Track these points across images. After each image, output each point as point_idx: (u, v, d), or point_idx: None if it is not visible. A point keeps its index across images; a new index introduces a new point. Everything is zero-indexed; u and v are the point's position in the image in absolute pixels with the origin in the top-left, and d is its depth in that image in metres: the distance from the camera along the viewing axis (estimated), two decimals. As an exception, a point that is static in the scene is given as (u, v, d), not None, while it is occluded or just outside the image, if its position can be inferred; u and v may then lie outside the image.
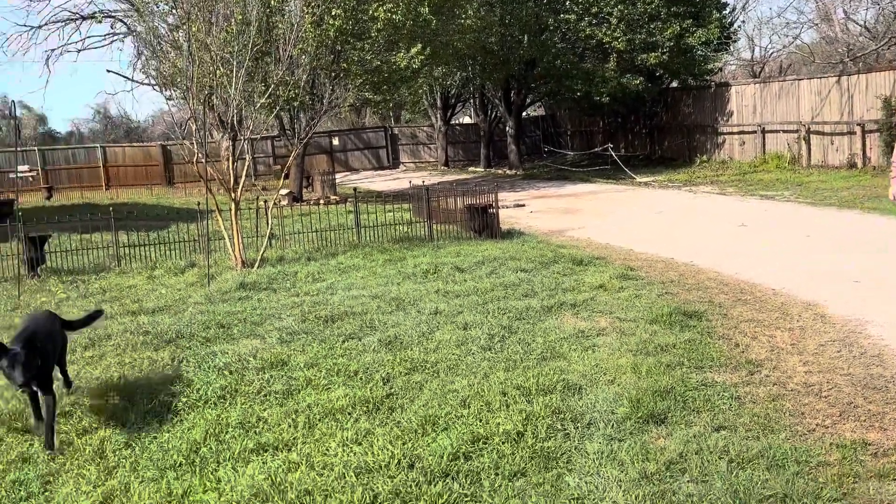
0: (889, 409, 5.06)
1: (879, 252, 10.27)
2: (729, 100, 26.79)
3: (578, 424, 5.03)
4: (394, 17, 19.43)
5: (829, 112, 22.44)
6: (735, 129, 26.40)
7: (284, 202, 19.78)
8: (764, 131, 24.88)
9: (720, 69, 32.44)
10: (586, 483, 4.25)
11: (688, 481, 4.19)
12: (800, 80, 24.01)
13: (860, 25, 26.37)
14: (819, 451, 4.47)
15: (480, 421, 5.12)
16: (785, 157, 23.63)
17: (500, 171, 32.19)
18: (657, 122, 31.20)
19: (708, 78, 29.63)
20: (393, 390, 5.83)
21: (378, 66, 20.35)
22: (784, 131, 24.10)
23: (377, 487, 4.24)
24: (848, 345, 6.43)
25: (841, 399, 5.27)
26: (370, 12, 19.54)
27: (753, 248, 11.27)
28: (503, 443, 4.77)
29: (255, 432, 5.14)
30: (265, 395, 5.82)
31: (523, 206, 19.30)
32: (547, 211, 17.97)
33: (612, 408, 5.25)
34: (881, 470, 4.20)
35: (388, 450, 4.71)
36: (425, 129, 39.98)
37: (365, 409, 5.46)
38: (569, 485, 4.24)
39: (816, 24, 30.16)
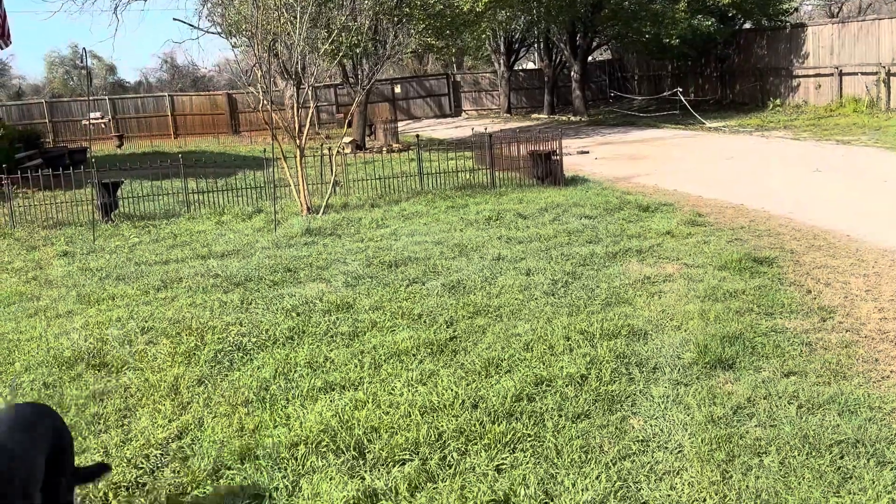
0: (970, 357, 4.89)
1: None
2: (805, 41, 25.73)
3: (644, 369, 5.00)
4: (457, -41, 19.12)
5: (912, 53, 21.38)
6: (811, 72, 25.39)
7: (348, 150, 19.89)
8: (841, 74, 23.87)
9: (795, 9, 31.11)
10: (651, 426, 4.23)
11: (755, 426, 4.14)
12: (880, 19, 22.89)
13: (949, -41, 24.93)
14: (893, 398, 4.36)
15: (543, 364, 5.13)
16: (863, 101, 22.68)
17: (563, 118, 31.70)
18: (728, 66, 30.21)
19: (783, 19, 28.46)
20: (456, 333, 5.86)
21: (441, 10, 20.12)
22: (863, 73, 23.08)
23: (442, 426, 4.30)
24: (927, 292, 6.22)
25: (918, 346, 5.11)
26: (433, -45, 19.28)
27: (828, 194, 10.91)
28: (566, 385, 4.77)
29: (322, 371, 5.25)
30: (332, 337, 5.93)
31: (587, 152, 19.01)
32: (612, 157, 17.67)
33: (679, 353, 5.19)
34: (959, 418, 4.08)
35: (452, 390, 4.76)
36: (488, 75, 39.56)
37: (429, 350, 5.51)
38: (633, 427, 4.23)
39: (901, -40, 28.59)
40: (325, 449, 4.12)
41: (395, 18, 19.44)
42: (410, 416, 4.45)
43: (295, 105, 12.34)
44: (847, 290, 6.40)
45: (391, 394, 4.81)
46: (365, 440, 4.19)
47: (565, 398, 4.61)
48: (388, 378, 5.07)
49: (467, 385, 4.85)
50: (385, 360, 5.38)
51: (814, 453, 3.79)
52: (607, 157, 17.90)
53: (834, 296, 6.24)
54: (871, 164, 13.48)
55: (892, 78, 21.86)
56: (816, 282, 6.64)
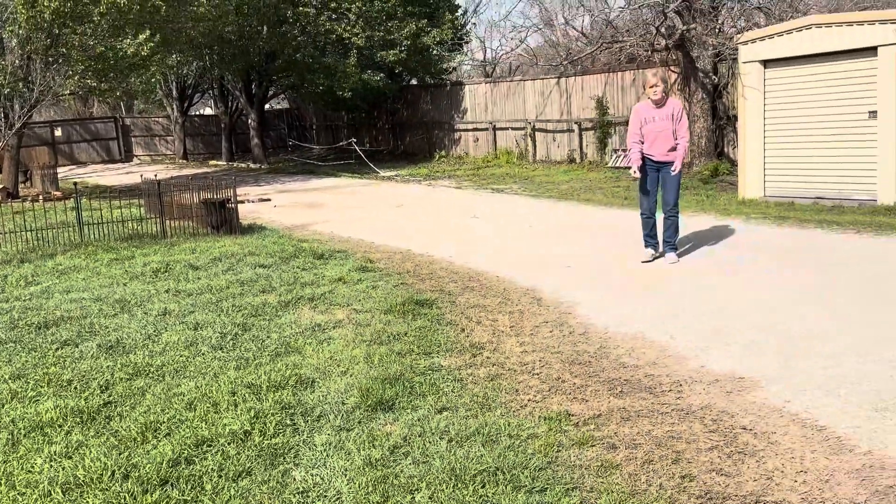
0: (591, 381, 5.56)
1: (590, 240, 11.28)
2: (463, 98, 28.12)
3: (308, 418, 5.03)
4: (118, 0, 18.18)
5: (550, 111, 24.30)
6: (470, 126, 27.77)
7: (-5, 199, 17.87)
8: (495, 128, 26.41)
9: (454, 69, 33.96)
10: (312, 476, 4.25)
11: (410, 463, 4.34)
12: (525, 80, 25.75)
13: (578, 31, 28.74)
14: (529, 425, 4.82)
15: (206, 423, 4.95)
16: (514, 153, 25.26)
17: (243, 165, 31.37)
18: (399, 118, 32.01)
19: (444, 77, 30.87)
20: (112, 398, 5.47)
21: (102, 52, 18.94)
22: (513, 128, 25.74)
23: (87, 503, 3.95)
24: (559, 325, 7.00)
25: (551, 375, 5.72)
26: (92, -6, 18.14)
27: (483, 239, 11.91)
28: (229, 443, 4.65)
29: (-56, 456, 4.59)
30: (-41, 414, 5.22)
31: (268, 200, 18.99)
32: (291, 205, 17.80)
33: (343, 398, 5.30)
34: (581, 438, 4.61)
35: (101, 461, 4.40)
36: (161, 120, 38.01)
37: (78, 420, 5.07)
38: (295, 479, 4.23)
39: (540, 29, 32.45)
40: (-61, 547, 3.60)
41: (50, 59, 17.97)
42: (51, 494, 4.04)
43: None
44: (495, 327, 7.00)
45: (30, 472, 4.34)
46: (-8, 530, 3.73)
47: (227, 457, 4.48)
48: (28, 455, 4.57)
49: (119, 454, 4.53)
50: (25, 435, 4.84)
51: (459, 485, 4.06)
52: (286, 204, 18.00)
53: (483, 333, 6.80)
54: (519, 210, 14.99)
55: (536, 133, 24.63)
56: (469, 320, 7.19)
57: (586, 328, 6.87)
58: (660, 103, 9.02)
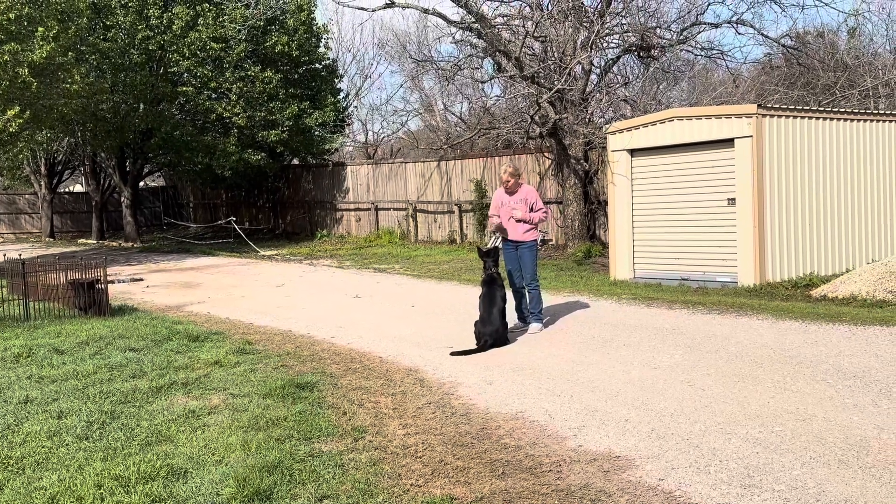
0: (473, 463, 5.58)
1: (471, 320, 11.41)
2: (345, 178, 28.33)
3: (181, 511, 4.81)
4: (-15, 76, 17.54)
5: (431, 193, 24.78)
6: (352, 206, 27.92)
7: None
8: (377, 209, 26.66)
9: (336, 149, 34.27)
10: (185, 573, 4.05)
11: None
12: (406, 162, 26.25)
13: (457, 116, 29.70)
14: (413, 510, 4.77)
15: (69, 519, 4.66)
16: (396, 233, 25.51)
17: (115, 244, 30.28)
18: (280, 197, 31.84)
19: (326, 157, 31.06)
20: (-37, 495, 5.07)
21: (-34, 128, 18.12)
22: (395, 209, 26.06)
23: None
24: (441, 406, 7.01)
25: (434, 458, 5.70)
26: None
27: (365, 319, 11.88)
28: (94, 541, 4.38)
29: None
30: None
31: (141, 280, 18.36)
32: (165, 285, 17.26)
33: (218, 489, 5.11)
34: (464, 520, 4.60)
35: (-51, 567, 4.06)
36: (27, 196, 36.39)
37: (-77, 521, 4.67)
38: (166, 577, 4.01)
39: (421, 114, 33.33)
40: None
41: None
42: None
43: None
44: (377, 409, 6.95)
45: None
46: None
47: (91, 556, 4.21)
48: None
49: (-30, 558, 4.19)
50: None
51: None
52: (160, 284, 17.44)
53: (366, 416, 6.73)
54: (401, 290, 15.07)
55: (417, 213, 25.01)
56: (351, 403, 7.11)
57: (468, 409, 6.92)
58: (511, 192, 10.38)
